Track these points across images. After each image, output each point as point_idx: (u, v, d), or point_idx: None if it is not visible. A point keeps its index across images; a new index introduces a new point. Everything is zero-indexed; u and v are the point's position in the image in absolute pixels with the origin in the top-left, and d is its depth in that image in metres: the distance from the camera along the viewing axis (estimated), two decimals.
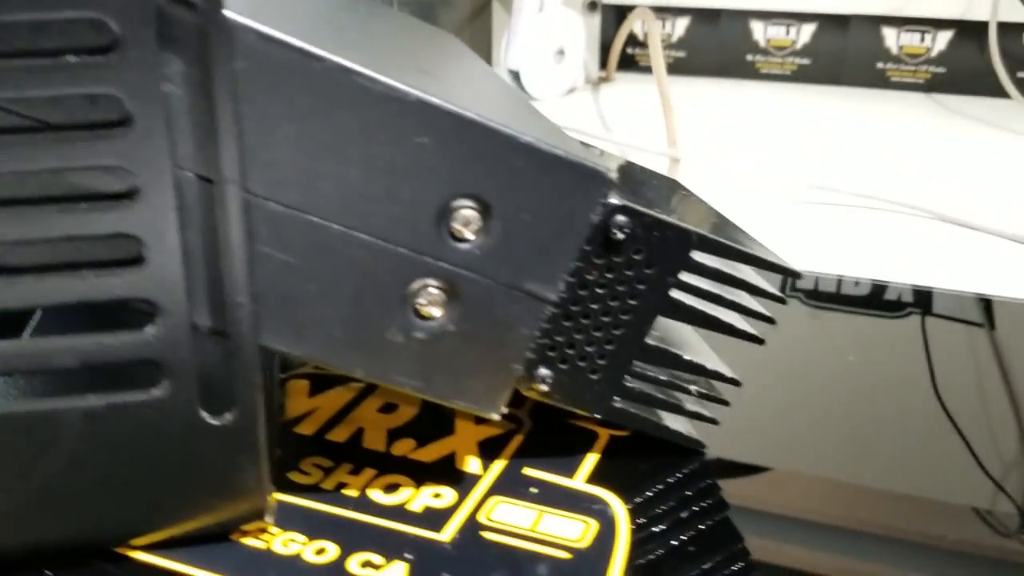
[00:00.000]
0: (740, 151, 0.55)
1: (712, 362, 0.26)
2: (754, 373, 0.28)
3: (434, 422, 0.27)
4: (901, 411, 0.30)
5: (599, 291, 0.23)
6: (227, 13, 0.18)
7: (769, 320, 0.25)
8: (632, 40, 0.78)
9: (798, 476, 0.27)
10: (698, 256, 0.24)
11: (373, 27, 0.26)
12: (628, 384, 0.24)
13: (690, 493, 0.25)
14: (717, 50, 0.76)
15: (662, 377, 0.25)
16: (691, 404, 0.26)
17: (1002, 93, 0.66)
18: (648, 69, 0.82)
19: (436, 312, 0.21)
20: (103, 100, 0.18)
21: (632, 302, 0.23)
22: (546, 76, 0.69)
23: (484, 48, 0.75)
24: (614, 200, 0.22)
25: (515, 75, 0.68)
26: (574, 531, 0.23)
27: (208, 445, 0.21)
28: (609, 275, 0.23)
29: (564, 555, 0.22)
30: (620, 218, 0.22)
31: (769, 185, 0.48)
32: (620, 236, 0.22)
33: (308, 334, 0.21)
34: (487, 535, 0.22)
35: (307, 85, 0.19)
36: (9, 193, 0.18)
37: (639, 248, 0.23)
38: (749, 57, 0.76)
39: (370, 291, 0.21)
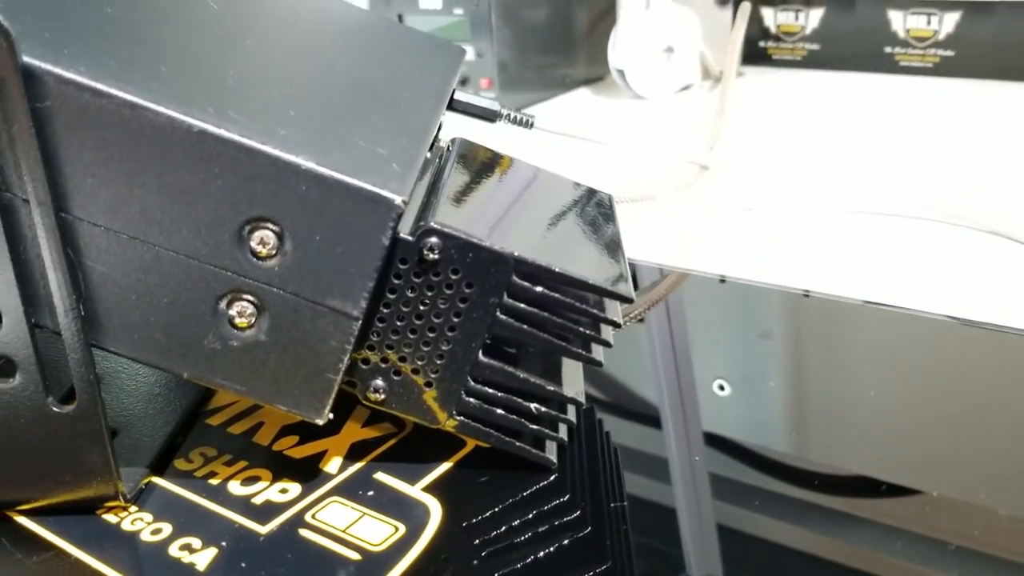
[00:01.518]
0: (791, 160, 0.52)
1: (560, 383, 0.26)
2: (914, 395, 0.27)
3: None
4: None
5: (422, 307, 0.24)
6: (27, 59, 0.21)
7: (606, 344, 0.25)
8: (765, 33, 0.75)
9: (953, 501, 0.27)
10: (521, 279, 0.24)
11: (226, 31, 0.27)
12: (465, 399, 0.25)
13: (524, 509, 0.25)
14: (854, 41, 0.72)
15: (497, 393, 0.25)
16: (534, 422, 0.26)
17: None
18: (783, 63, 0.79)
19: (248, 323, 0.23)
20: None
21: (456, 319, 0.24)
22: (653, 75, 0.68)
23: (605, 49, 0.75)
24: (431, 223, 0.23)
25: (621, 73, 0.68)
26: (379, 535, 0.24)
27: (57, 430, 0.24)
28: (429, 292, 0.24)
29: (355, 556, 0.23)
30: (432, 239, 0.23)
31: (796, 204, 0.45)
32: (433, 256, 0.23)
33: (134, 338, 0.24)
34: (303, 532, 0.24)
35: (102, 119, 0.21)
36: None
37: (455, 268, 0.24)
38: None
39: (184, 301, 0.23)
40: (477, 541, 0.24)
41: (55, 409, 0.24)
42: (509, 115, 0.39)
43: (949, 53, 0.69)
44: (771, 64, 0.76)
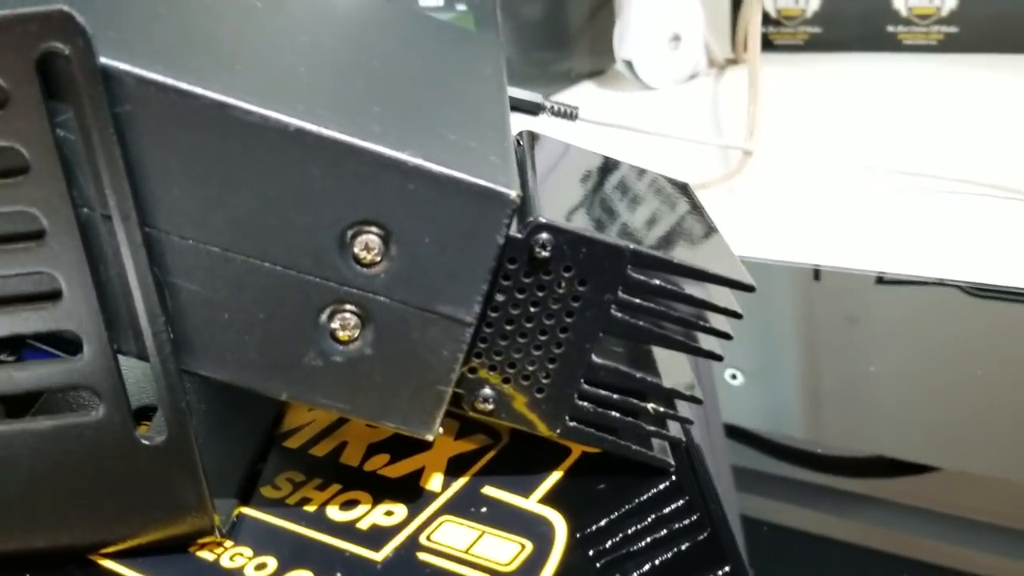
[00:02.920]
0: (828, 140, 0.51)
1: (673, 380, 0.24)
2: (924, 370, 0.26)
3: (411, 438, 0.27)
4: None
5: (532, 309, 0.23)
6: (104, 60, 0.19)
7: (726, 336, 0.23)
8: (766, 19, 0.74)
9: (970, 477, 0.26)
10: (637, 273, 0.22)
11: (279, 27, 0.26)
12: (578, 403, 0.24)
13: (649, 513, 0.24)
14: (856, 22, 0.71)
15: (613, 396, 0.24)
16: (650, 423, 0.24)
17: None
18: (785, 48, 0.78)
19: (352, 336, 0.22)
20: (5, 149, 0.19)
21: (568, 319, 0.23)
22: (661, 64, 0.67)
23: (607, 40, 0.74)
24: (540, 218, 0.22)
25: (629, 64, 0.67)
26: (506, 554, 0.22)
27: (146, 464, 0.22)
28: (540, 293, 0.22)
29: None
30: (543, 236, 0.22)
31: (846, 177, 0.44)
32: (544, 254, 0.22)
33: (227, 360, 0.22)
34: (422, 555, 0.23)
35: (189, 122, 0.20)
36: None
37: (568, 265, 0.22)
38: (891, 28, 0.70)
39: (282, 317, 0.21)
40: (609, 553, 0.22)
41: (144, 442, 0.22)
42: (553, 107, 0.37)
43: (953, 29, 0.68)
44: (773, 49, 0.75)
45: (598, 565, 0.22)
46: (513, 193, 0.21)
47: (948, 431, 0.28)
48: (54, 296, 0.21)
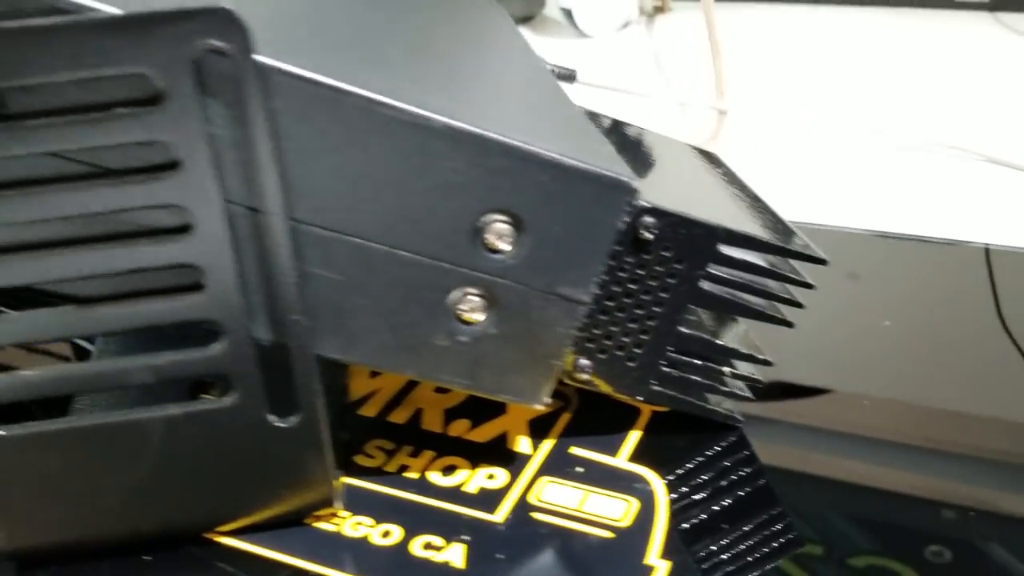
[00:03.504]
0: (794, 95, 0.54)
1: (746, 345, 0.27)
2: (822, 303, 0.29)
3: (487, 401, 0.29)
4: (966, 337, 0.31)
5: (632, 287, 0.24)
6: (258, 58, 0.19)
7: (797, 304, 0.26)
8: None
9: (866, 398, 0.30)
10: (725, 249, 0.24)
11: (401, 26, 0.27)
12: (664, 369, 0.26)
13: (727, 465, 0.26)
14: None
15: (696, 361, 0.26)
16: (725, 384, 0.27)
17: None
18: None
19: (477, 317, 0.23)
20: (158, 145, 0.20)
21: (663, 295, 0.25)
22: (599, 13, 0.68)
23: None
24: (642, 202, 0.23)
25: (567, 12, 0.68)
26: (617, 510, 0.24)
27: (277, 444, 0.23)
28: (640, 272, 0.24)
29: (607, 534, 0.24)
30: (648, 219, 0.23)
31: (825, 136, 0.48)
32: (649, 236, 0.24)
33: (360, 343, 0.23)
34: (537, 515, 0.24)
35: (339, 117, 0.20)
36: (76, 233, 0.20)
37: (667, 246, 0.24)
38: None
39: (414, 302, 0.23)
40: (705, 504, 0.25)
41: (278, 424, 0.23)
42: (552, 70, 0.38)
43: None
44: None
45: (702, 516, 0.24)
46: (634, 182, 0.22)
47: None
48: (196, 287, 0.21)
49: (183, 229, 0.20)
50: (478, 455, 0.27)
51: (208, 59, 0.19)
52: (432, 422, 0.28)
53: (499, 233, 0.22)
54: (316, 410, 0.23)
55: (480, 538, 0.24)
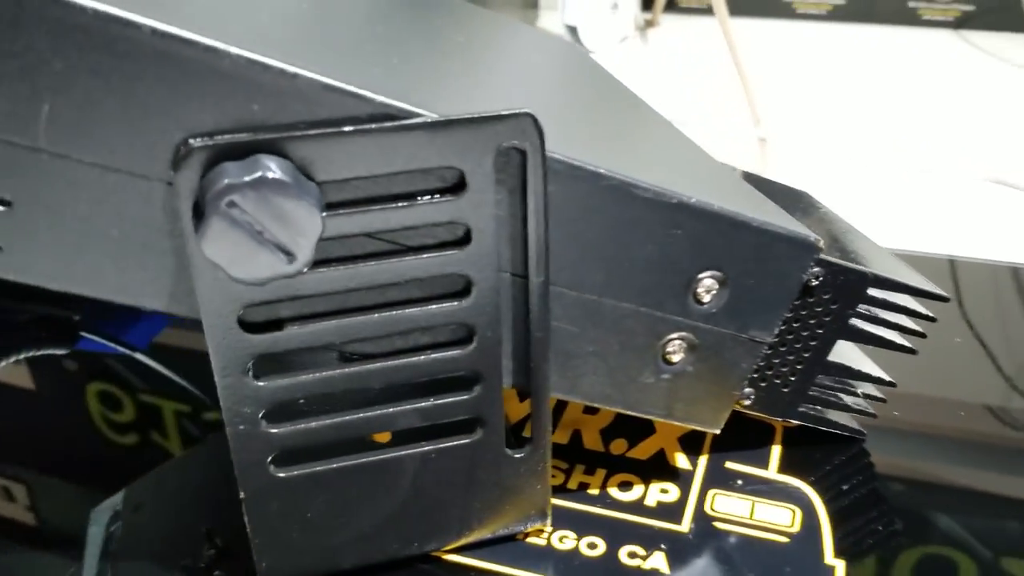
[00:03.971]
0: (824, 119, 0.59)
1: (871, 367, 0.31)
2: None
3: (637, 420, 0.32)
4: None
5: (795, 326, 0.28)
6: (550, 152, 0.23)
7: (921, 335, 0.30)
8: None
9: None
10: (873, 291, 0.29)
11: (604, 109, 0.30)
12: (811, 393, 0.30)
13: (859, 472, 0.31)
14: None
15: (836, 385, 0.30)
16: (853, 402, 0.31)
17: None
18: (690, 10, 0.85)
19: (679, 358, 0.27)
20: (456, 224, 0.23)
21: (820, 331, 0.29)
22: (602, 29, 0.72)
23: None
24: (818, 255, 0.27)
25: (572, 30, 0.71)
26: (785, 517, 0.28)
27: (509, 472, 0.26)
28: (803, 313, 0.28)
29: (783, 539, 0.28)
30: (815, 269, 0.28)
31: (876, 164, 0.52)
32: (815, 283, 0.28)
33: (583, 383, 0.26)
34: (718, 524, 0.28)
35: (597, 196, 0.24)
36: (373, 300, 0.23)
37: (828, 290, 0.28)
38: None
39: (631, 347, 0.26)
40: (856, 509, 0.29)
41: (512, 455, 0.26)
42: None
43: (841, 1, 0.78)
44: (680, 11, 0.82)
45: (857, 519, 0.29)
46: (821, 241, 0.26)
47: None
48: (465, 342, 0.24)
49: (463, 293, 0.24)
50: (645, 471, 0.30)
51: (506, 156, 0.22)
52: (592, 442, 0.32)
53: (708, 287, 0.26)
54: (545, 441, 0.26)
55: (674, 547, 0.27)
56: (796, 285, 0.27)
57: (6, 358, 0.41)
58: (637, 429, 0.32)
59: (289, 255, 0.21)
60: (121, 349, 0.44)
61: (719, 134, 0.52)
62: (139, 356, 0.43)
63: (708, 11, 0.79)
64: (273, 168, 0.20)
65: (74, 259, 0.21)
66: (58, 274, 0.21)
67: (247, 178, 0.19)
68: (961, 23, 0.75)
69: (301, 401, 0.24)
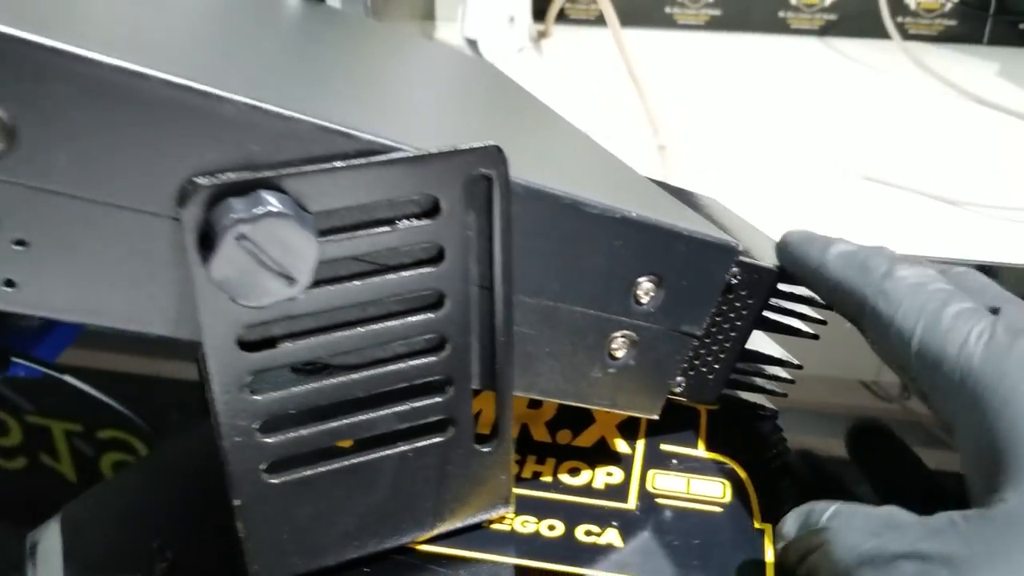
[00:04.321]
0: (713, 124, 0.63)
1: (781, 353, 0.35)
2: None
3: (578, 411, 0.35)
4: None
5: (718, 320, 0.32)
6: (512, 177, 0.25)
7: (822, 322, 0.35)
8: None
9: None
10: (781, 286, 0.33)
11: (535, 128, 0.33)
12: (732, 377, 0.34)
13: (774, 446, 0.35)
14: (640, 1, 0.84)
15: (750, 369, 0.34)
16: (766, 384, 0.35)
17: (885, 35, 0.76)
18: (579, 22, 0.89)
19: (622, 353, 0.30)
20: (431, 246, 0.25)
21: (739, 323, 0.33)
22: (500, 41, 0.75)
23: (428, 7, 0.80)
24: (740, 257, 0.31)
25: (472, 42, 0.74)
26: (716, 490, 0.32)
27: (477, 466, 0.29)
28: (724, 308, 0.32)
29: (717, 509, 0.31)
30: (734, 269, 0.31)
31: (766, 166, 0.57)
32: (734, 282, 0.31)
33: (540, 381, 0.29)
34: (660, 500, 0.32)
35: (552, 214, 0.27)
36: (356, 316, 0.25)
37: (744, 287, 0.32)
38: (668, 9, 0.84)
39: (582, 345, 0.29)
40: (778, 476, 0.33)
41: (480, 449, 0.29)
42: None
43: (716, 12, 0.83)
44: (569, 23, 0.86)
45: (777, 487, 0.32)
46: (740, 245, 0.30)
47: None
48: (437, 350, 0.27)
49: (437, 305, 0.26)
50: (591, 457, 0.33)
51: (475, 183, 0.25)
52: (540, 434, 0.35)
53: (646, 290, 0.29)
54: (508, 435, 0.29)
55: (624, 523, 0.31)
56: (721, 284, 0.30)
57: None
58: (579, 420, 0.35)
59: (290, 279, 0.23)
60: (51, 372, 0.44)
61: (620, 142, 0.56)
62: (67, 378, 0.44)
63: (595, 22, 0.83)
64: (274, 202, 0.22)
65: (85, 292, 0.22)
66: (70, 307, 0.23)
67: (254, 212, 0.22)
68: (825, 31, 0.81)
69: (292, 412, 0.26)
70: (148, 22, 0.26)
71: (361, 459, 0.27)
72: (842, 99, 0.69)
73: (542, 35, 0.82)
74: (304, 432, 0.26)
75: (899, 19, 0.77)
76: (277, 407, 0.25)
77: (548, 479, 0.33)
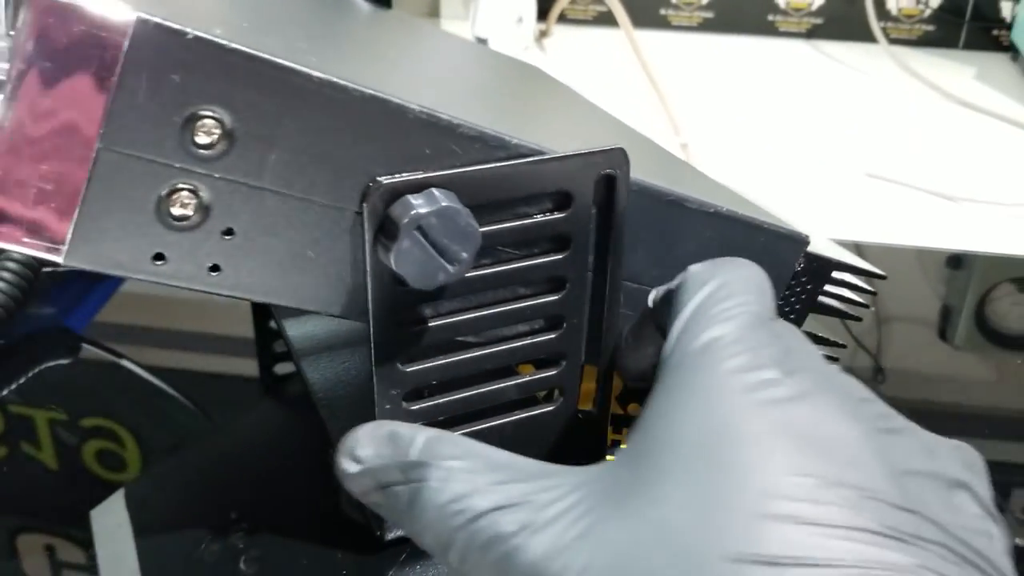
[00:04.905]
0: (738, 125, 0.67)
1: (826, 334, 0.39)
2: None
3: (639, 388, 0.39)
4: None
5: (780, 303, 0.36)
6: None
7: (866, 306, 0.39)
8: None
9: None
10: (838, 274, 0.37)
11: (612, 128, 0.36)
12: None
13: None
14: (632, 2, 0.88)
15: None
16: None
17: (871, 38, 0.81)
18: (576, 22, 0.92)
19: None
20: (562, 236, 0.29)
21: (798, 307, 0.36)
22: (509, 40, 0.78)
23: (434, 4, 0.83)
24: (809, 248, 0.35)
25: (483, 40, 0.77)
26: None
27: (579, 433, 0.32)
28: (787, 292, 0.36)
29: None
30: (800, 258, 0.35)
31: (780, 163, 0.61)
32: (798, 268, 0.35)
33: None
34: None
35: (657, 209, 0.30)
36: (492, 298, 0.29)
37: (805, 275, 0.36)
38: (662, 11, 0.88)
39: None
40: None
41: (582, 418, 0.32)
42: None
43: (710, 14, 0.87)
44: (568, 23, 0.89)
45: None
46: (810, 236, 0.34)
47: None
48: (555, 328, 0.30)
49: (559, 289, 0.29)
50: None
51: (601, 179, 0.28)
52: (613, 407, 0.38)
53: None
54: (607, 407, 0.32)
55: None
56: (791, 271, 0.34)
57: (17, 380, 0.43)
58: (639, 395, 0.39)
59: (455, 265, 0.26)
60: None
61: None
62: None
63: (593, 23, 0.87)
64: (446, 199, 0.25)
65: (277, 276, 0.25)
66: (264, 290, 0.25)
67: (433, 208, 0.25)
68: (812, 34, 0.86)
69: (433, 382, 0.29)
70: (310, 34, 0.29)
71: (484, 425, 0.30)
72: (836, 100, 0.74)
73: (543, 34, 0.86)
74: (440, 401, 0.29)
75: (881, 24, 0.82)
76: (421, 378, 0.28)
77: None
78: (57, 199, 0.23)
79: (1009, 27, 0.80)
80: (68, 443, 0.39)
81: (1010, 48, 0.80)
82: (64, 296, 0.47)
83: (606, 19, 0.88)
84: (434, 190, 0.25)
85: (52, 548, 0.34)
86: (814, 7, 0.85)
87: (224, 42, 0.22)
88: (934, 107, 0.73)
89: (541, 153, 0.27)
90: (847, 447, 0.21)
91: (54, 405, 0.41)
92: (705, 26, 0.87)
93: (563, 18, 0.89)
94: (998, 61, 0.80)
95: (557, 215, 0.28)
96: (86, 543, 0.34)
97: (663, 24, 0.88)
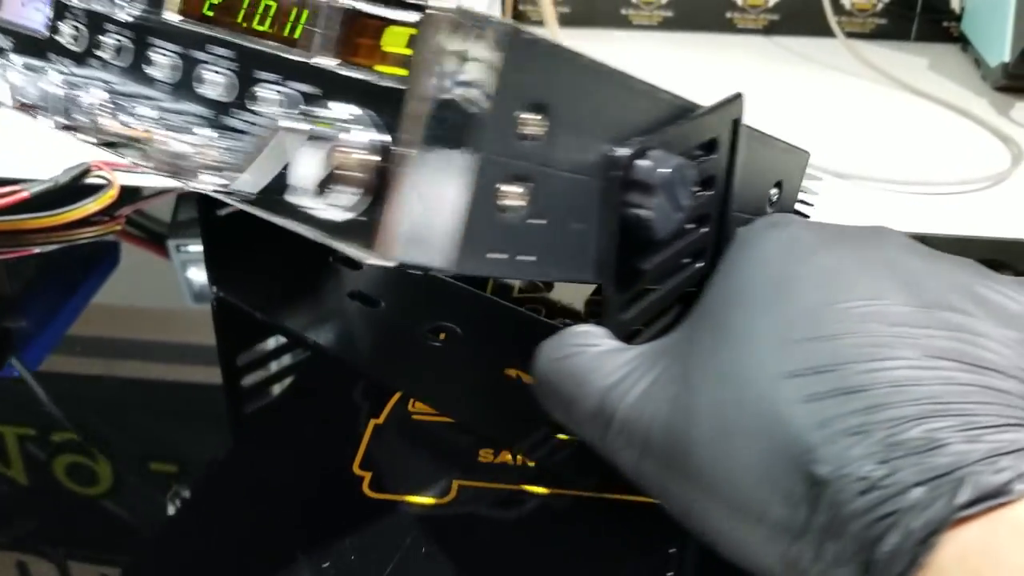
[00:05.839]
0: None
1: None
2: None
3: None
4: None
5: None
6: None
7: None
8: None
9: None
10: None
11: None
12: None
13: None
14: (595, 2, 0.89)
15: None
16: None
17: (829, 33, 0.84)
18: (538, 22, 0.93)
19: None
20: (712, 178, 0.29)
21: None
22: None
23: None
24: None
25: None
26: None
27: None
28: None
29: None
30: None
31: None
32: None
33: None
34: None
35: (753, 145, 0.31)
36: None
37: None
38: (624, 11, 0.89)
39: None
40: None
41: None
42: None
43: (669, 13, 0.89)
44: (529, 23, 0.90)
45: None
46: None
47: None
48: (698, 260, 0.31)
49: (703, 224, 0.30)
50: None
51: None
52: None
53: (774, 193, 0.35)
54: None
55: None
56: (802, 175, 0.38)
57: None
58: None
59: (681, 213, 0.27)
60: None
61: None
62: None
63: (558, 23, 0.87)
64: (674, 158, 0.26)
65: (555, 253, 0.26)
66: (542, 271, 0.26)
67: (672, 165, 0.26)
68: (769, 30, 0.89)
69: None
70: None
71: None
72: (796, 92, 0.76)
73: None
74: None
75: (836, 18, 0.85)
76: (633, 323, 0.29)
77: None
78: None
79: (959, 19, 0.84)
80: (38, 458, 0.37)
81: (960, 39, 0.85)
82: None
83: (566, 19, 0.89)
84: (658, 151, 0.26)
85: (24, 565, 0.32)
86: (771, 3, 0.88)
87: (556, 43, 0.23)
88: (889, 97, 0.75)
89: (698, 107, 0.29)
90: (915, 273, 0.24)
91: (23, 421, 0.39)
92: (665, 24, 0.89)
93: (526, 19, 0.89)
94: (949, 52, 0.84)
95: (710, 156, 0.29)
96: (58, 559, 0.32)
97: (624, 23, 0.90)
